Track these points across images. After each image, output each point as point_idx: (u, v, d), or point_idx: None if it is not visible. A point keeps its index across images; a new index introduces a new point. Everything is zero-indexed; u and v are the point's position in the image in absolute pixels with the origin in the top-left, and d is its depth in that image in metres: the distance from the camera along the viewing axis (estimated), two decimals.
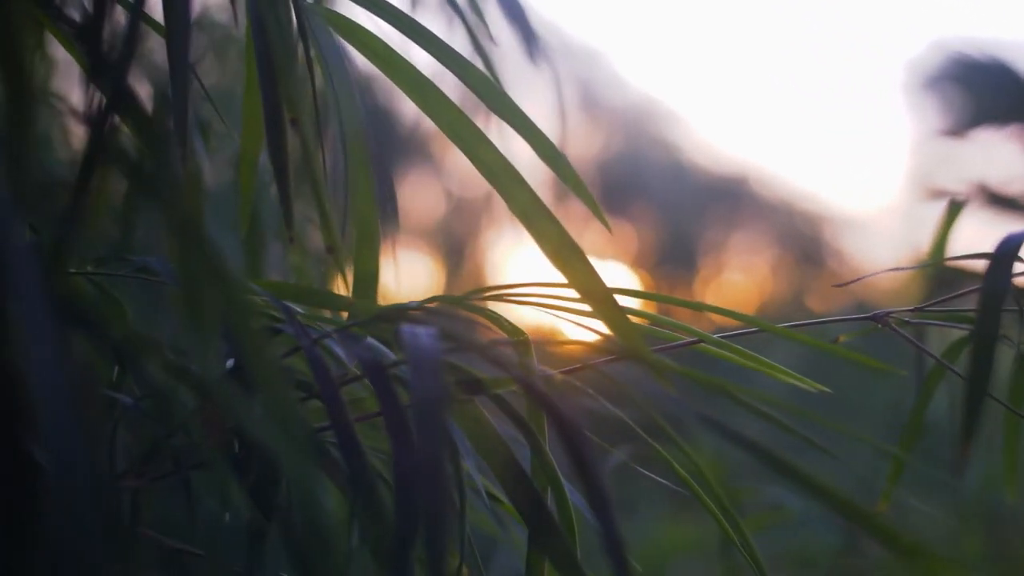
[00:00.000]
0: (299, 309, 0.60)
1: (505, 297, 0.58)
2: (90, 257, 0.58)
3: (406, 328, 0.51)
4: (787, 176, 5.89)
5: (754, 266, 5.04)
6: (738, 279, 5.06)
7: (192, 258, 0.44)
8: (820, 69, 5.98)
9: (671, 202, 5.21)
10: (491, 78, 0.59)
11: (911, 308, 0.59)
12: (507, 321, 0.60)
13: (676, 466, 0.61)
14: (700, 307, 0.60)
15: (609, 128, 5.61)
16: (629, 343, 0.55)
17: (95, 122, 0.41)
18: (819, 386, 0.63)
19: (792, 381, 0.64)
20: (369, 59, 0.62)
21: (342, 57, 0.63)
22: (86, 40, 0.41)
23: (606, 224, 0.57)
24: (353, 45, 0.62)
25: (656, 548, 1.59)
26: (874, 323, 0.60)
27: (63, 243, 0.40)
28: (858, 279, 0.57)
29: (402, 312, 0.56)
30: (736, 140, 6.85)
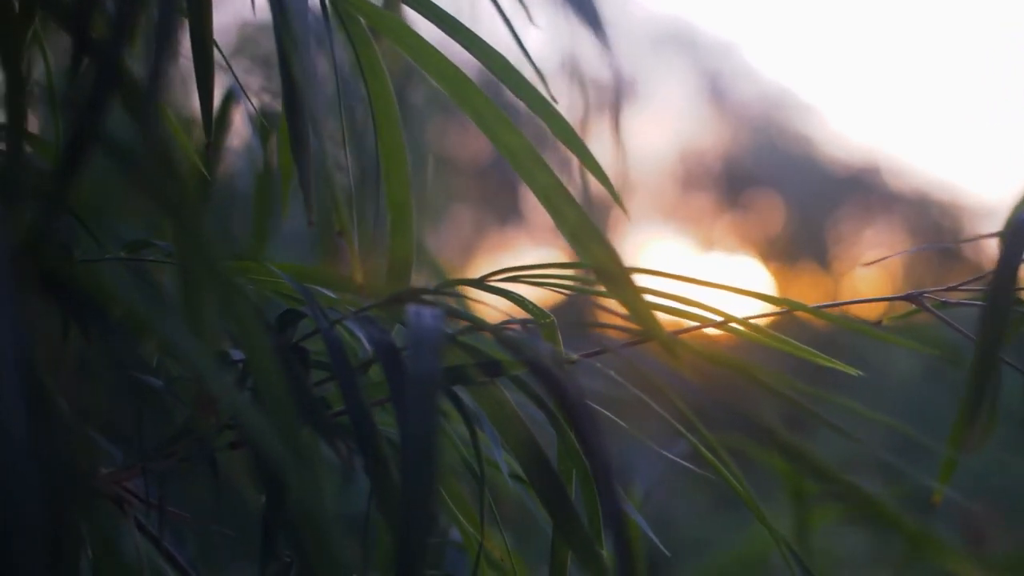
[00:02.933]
0: (332, 294, 0.61)
1: (524, 279, 0.58)
2: (122, 242, 0.60)
3: (412, 308, 0.52)
4: (922, 166, 5.73)
5: (888, 258, 4.92)
6: (871, 272, 4.94)
7: (186, 243, 0.45)
8: (955, 54, 5.81)
9: (802, 194, 5.13)
10: (502, 56, 0.59)
11: (945, 288, 0.57)
12: (532, 303, 0.60)
13: (706, 453, 0.60)
14: (728, 290, 0.59)
15: (739, 120, 5.55)
16: (646, 324, 0.54)
17: (82, 104, 0.42)
18: (851, 368, 0.61)
19: (825, 363, 0.62)
20: (398, 46, 0.63)
21: (372, 46, 0.63)
22: (75, 20, 0.42)
23: (624, 209, 0.57)
24: (382, 32, 0.63)
25: (758, 544, 1.57)
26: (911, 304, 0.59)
27: (45, 224, 0.42)
28: (881, 259, 0.55)
29: (419, 294, 0.56)
30: (869, 130, 6.70)
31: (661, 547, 0.72)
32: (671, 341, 0.53)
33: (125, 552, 0.50)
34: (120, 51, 0.42)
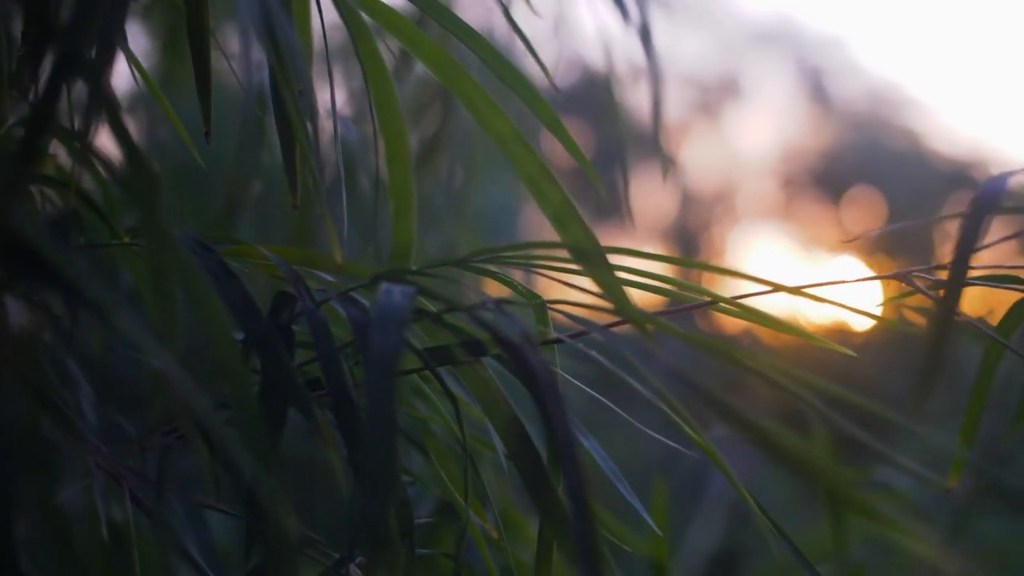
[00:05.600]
0: (330, 277, 0.62)
1: (507, 260, 0.59)
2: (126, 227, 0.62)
3: (384, 287, 0.53)
4: None
5: (996, 256, 4.80)
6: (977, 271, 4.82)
7: (149, 228, 0.47)
8: None
9: (907, 191, 5.03)
10: (486, 39, 0.60)
11: (932, 266, 0.57)
12: (521, 284, 0.61)
13: (694, 436, 0.60)
14: (709, 268, 0.59)
15: (842, 116, 5.46)
16: (619, 305, 0.55)
17: (42, 88, 0.44)
18: (848, 351, 0.61)
19: (824, 344, 0.62)
20: (395, 36, 0.64)
21: (370, 35, 0.65)
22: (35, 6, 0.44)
23: (600, 188, 0.57)
24: (379, 22, 0.64)
25: (826, 539, 1.54)
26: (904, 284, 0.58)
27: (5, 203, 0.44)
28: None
29: (403, 275, 0.57)
30: (976, 123, 6.53)
31: (667, 541, 0.72)
32: (643, 321, 0.54)
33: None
34: (78, 36, 0.44)
